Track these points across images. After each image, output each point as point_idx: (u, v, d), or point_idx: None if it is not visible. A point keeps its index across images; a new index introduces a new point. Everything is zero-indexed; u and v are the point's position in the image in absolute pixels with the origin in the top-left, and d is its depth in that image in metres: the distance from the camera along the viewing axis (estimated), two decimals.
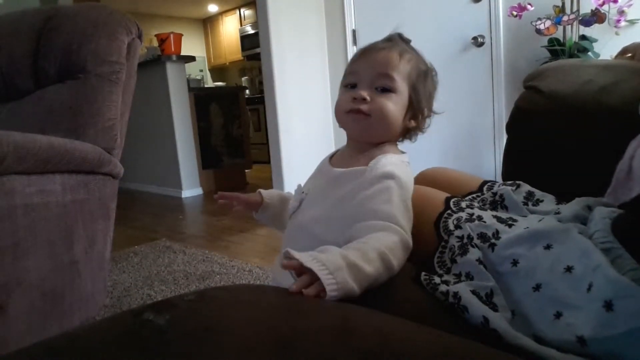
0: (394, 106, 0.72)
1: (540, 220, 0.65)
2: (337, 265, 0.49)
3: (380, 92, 0.72)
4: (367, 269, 0.52)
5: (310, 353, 0.33)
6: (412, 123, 0.76)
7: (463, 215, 0.70)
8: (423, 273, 0.61)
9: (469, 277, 0.59)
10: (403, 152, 0.77)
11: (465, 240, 0.64)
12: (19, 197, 0.97)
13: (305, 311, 0.42)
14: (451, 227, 0.69)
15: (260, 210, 0.89)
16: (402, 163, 0.73)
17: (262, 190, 0.90)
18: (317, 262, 0.49)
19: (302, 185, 0.81)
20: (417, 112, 0.76)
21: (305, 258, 0.49)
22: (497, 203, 0.75)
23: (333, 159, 0.81)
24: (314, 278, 0.48)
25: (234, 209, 0.89)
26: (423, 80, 0.76)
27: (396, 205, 0.64)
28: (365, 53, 0.75)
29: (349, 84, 0.75)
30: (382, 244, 0.56)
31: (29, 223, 1.00)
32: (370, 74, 0.72)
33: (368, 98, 0.71)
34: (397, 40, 0.77)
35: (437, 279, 0.59)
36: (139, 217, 3.44)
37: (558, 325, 0.49)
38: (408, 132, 0.78)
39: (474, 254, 0.61)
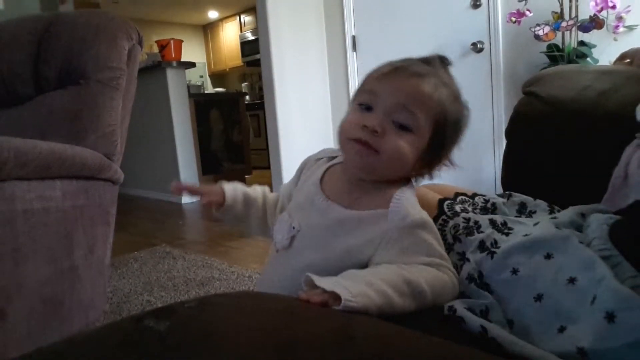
0: (409, 149, 0.59)
1: (536, 224, 0.65)
2: (361, 291, 0.47)
3: (397, 127, 0.59)
4: (395, 300, 0.50)
5: (311, 359, 0.33)
6: (423, 170, 0.65)
7: (460, 222, 0.70)
8: None
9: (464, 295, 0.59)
10: (408, 181, 0.66)
11: (464, 260, 0.64)
12: (19, 203, 0.97)
13: (305, 317, 0.42)
14: (449, 239, 0.68)
15: (221, 211, 0.75)
16: (416, 199, 0.63)
17: (225, 187, 0.76)
18: (343, 288, 0.46)
19: (287, 211, 0.69)
20: (433, 160, 0.64)
21: (328, 284, 0.47)
22: (489, 210, 0.75)
23: (325, 184, 0.67)
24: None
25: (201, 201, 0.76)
26: (452, 126, 0.63)
27: (435, 247, 0.58)
28: (393, 73, 0.61)
29: (363, 104, 0.62)
30: (422, 276, 0.53)
31: (29, 229, 1.00)
32: (391, 101, 0.59)
33: (380, 130, 0.58)
34: (436, 65, 0.64)
35: None
36: (139, 222, 3.44)
37: (559, 337, 0.48)
38: (413, 176, 0.66)
39: (465, 270, 0.61)
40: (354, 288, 0.47)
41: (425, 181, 0.68)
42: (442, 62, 0.66)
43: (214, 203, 0.75)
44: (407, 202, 0.60)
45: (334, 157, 0.72)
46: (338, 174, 0.67)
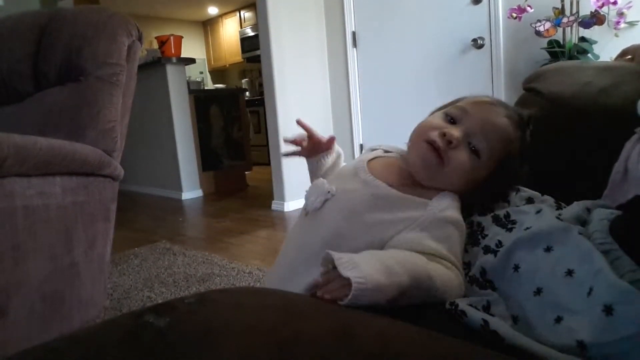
0: (470, 170, 0.64)
1: (538, 212, 0.65)
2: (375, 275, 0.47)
3: (469, 148, 0.64)
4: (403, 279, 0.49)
5: (311, 356, 0.33)
6: (471, 191, 0.67)
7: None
8: None
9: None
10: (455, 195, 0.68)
11: (472, 273, 0.63)
12: (19, 199, 0.98)
13: (305, 314, 0.42)
14: None
15: (320, 157, 0.78)
16: (459, 208, 0.65)
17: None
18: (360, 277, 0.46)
19: (327, 181, 0.70)
20: (482, 190, 0.67)
21: (345, 268, 0.46)
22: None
23: (371, 165, 0.70)
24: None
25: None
26: (506, 176, 0.68)
27: (455, 254, 0.59)
28: (491, 105, 0.66)
29: (449, 115, 0.66)
30: (437, 270, 0.53)
31: (29, 225, 1.00)
32: (477, 125, 0.64)
33: (456, 143, 0.62)
34: (523, 121, 0.69)
35: None
36: (139, 219, 3.44)
37: (558, 330, 0.49)
38: (462, 191, 0.67)
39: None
40: (369, 272, 0.47)
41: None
42: (529, 119, 0.70)
43: (324, 145, 0.78)
44: (450, 201, 0.63)
45: (388, 152, 0.76)
46: (391, 162, 0.71)
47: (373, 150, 0.77)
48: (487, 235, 0.65)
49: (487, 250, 0.63)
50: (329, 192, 0.66)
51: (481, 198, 0.69)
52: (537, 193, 0.76)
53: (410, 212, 0.61)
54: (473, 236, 0.67)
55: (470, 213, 0.71)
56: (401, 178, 0.66)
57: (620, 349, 0.43)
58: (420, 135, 0.66)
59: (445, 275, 0.55)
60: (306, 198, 0.70)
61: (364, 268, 0.47)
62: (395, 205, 0.62)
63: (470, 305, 0.54)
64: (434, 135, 0.63)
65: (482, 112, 0.65)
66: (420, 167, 0.65)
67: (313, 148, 0.78)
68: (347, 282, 0.45)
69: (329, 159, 0.79)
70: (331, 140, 0.78)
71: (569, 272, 0.52)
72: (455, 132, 0.63)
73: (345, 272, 0.46)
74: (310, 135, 0.78)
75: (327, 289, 0.47)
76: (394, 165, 0.70)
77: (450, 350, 0.38)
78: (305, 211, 0.69)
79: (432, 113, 0.72)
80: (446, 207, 0.62)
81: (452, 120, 0.66)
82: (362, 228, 0.61)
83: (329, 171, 0.79)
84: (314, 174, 0.80)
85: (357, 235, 0.61)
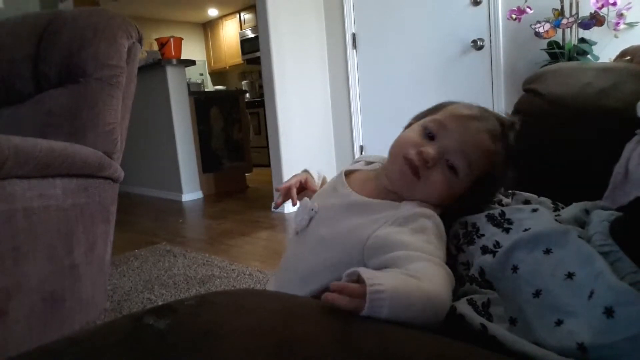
0: (446, 189, 0.64)
1: (534, 211, 0.64)
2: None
3: (447, 165, 0.63)
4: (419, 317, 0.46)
5: (310, 358, 0.33)
6: (447, 206, 0.67)
7: (458, 230, 0.69)
8: None
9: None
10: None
11: (471, 273, 0.63)
12: (20, 201, 0.98)
13: (305, 316, 0.42)
14: (453, 250, 0.68)
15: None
16: (436, 215, 0.65)
17: (309, 173, 0.82)
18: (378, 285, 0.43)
19: (310, 199, 0.73)
20: (463, 202, 0.68)
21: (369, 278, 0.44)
22: (495, 202, 0.75)
23: (351, 179, 0.72)
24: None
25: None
26: (492, 184, 0.68)
27: (436, 246, 0.59)
28: (470, 120, 0.65)
29: (428, 130, 0.65)
30: (436, 282, 0.51)
31: (29, 227, 1.00)
32: (455, 144, 0.63)
33: (431, 164, 0.63)
34: (506, 129, 0.67)
35: None
36: (139, 220, 3.44)
37: (558, 333, 0.48)
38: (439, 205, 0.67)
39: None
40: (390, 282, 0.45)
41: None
42: (511, 126, 0.68)
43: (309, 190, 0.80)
44: (421, 204, 0.64)
45: (371, 163, 0.77)
46: (369, 176, 0.72)
47: (356, 162, 0.79)
48: (483, 235, 0.65)
49: (485, 250, 0.63)
50: (312, 209, 0.69)
51: (460, 209, 0.68)
52: (534, 195, 0.76)
53: (385, 212, 0.63)
54: (468, 236, 0.67)
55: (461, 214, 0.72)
56: (378, 191, 0.67)
57: (621, 350, 0.43)
58: (398, 151, 0.66)
59: (443, 278, 0.54)
60: (294, 219, 0.73)
61: (384, 277, 0.45)
62: (370, 209, 0.64)
63: (471, 301, 0.54)
64: (412, 154, 0.63)
65: (461, 128, 0.64)
66: (398, 183, 0.66)
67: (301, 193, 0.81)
68: (363, 290, 0.42)
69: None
70: (309, 184, 0.81)
71: (569, 275, 0.52)
72: (431, 150, 0.63)
73: (365, 274, 0.44)
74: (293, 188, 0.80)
75: (341, 294, 0.43)
76: (371, 179, 0.71)
77: (450, 352, 0.38)
78: (295, 231, 0.72)
79: (412, 122, 0.72)
80: (417, 206, 0.63)
81: (430, 135, 0.65)
82: (340, 233, 0.63)
83: None
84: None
85: (337, 239, 0.63)
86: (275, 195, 0.82)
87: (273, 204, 0.82)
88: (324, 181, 0.84)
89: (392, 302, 0.42)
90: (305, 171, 0.83)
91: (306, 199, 0.73)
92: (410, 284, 0.47)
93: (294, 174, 0.82)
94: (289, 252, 0.75)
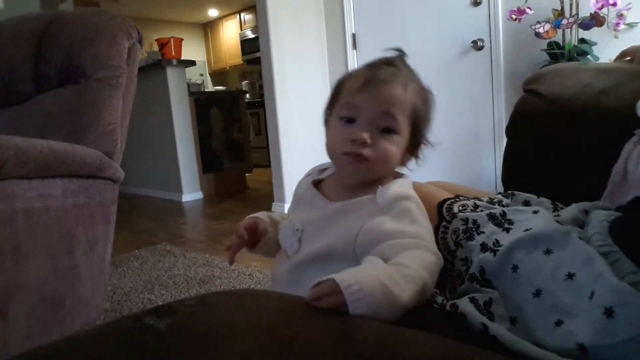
0: (396, 149, 0.65)
1: (535, 213, 0.65)
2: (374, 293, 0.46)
3: (381, 132, 0.64)
4: (407, 301, 0.48)
5: (311, 358, 0.33)
6: (409, 156, 0.71)
7: (459, 225, 0.70)
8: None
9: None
10: (402, 174, 0.72)
11: (469, 264, 0.64)
12: (20, 202, 0.98)
13: (306, 316, 0.42)
14: (452, 245, 0.68)
15: (259, 246, 0.77)
16: (409, 186, 0.68)
17: (257, 216, 0.77)
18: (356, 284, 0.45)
19: (288, 218, 0.72)
20: (416, 146, 0.70)
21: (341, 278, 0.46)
22: (495, 203, 0.75)
23: (324, 189, 0.72)
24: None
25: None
26: (424, 112, 0.69)
27: (421, 223, 0.61)
28: (367, 86, 0.65)
29: (345, 117, 0.66)
30: (424, 267, 0.53)
31: (29, 227, 1.00)
32: (372, 111, 0.64)
33: (370, 141, 0.63)
34: (400, 67, 0.68)
35: (439, 298, 0.59)
36: (140, 221, 3.44)
37: (558, 333, 0.48)
38: (403, 163, 0.71)
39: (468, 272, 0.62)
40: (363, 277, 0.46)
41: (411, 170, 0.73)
42: (401, 58, 0.70)
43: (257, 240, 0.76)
44: (394, 185, 0.65)
45: (324, 170, 0.76)
46: (333, 182, 0.72)
47: (308, 175, 0.77)
48: (483, 233, 0.65)
49: (484, 247, 0.63)
50: (297, 229, 0.68)
51: (419, 147, 0.71)
52: (533, 196, 0.76)
53: (364, 208, 0.64)
54: (468, 232, 0.67)
55: (464, 211, 0.72)
56: (351, 192, 0.68)
57: (620, 351, 0.43)
58: (335, 152, 0.67)
59: (430, 264, 0.55)
60: (282, 243, 0.71)
61: (357, 274, 0.47)
62: (352, 210, 0.65)
63: (473, 300, 0.54)
64: (347, 145, 0.64)
65: (368, 97, 0.65)
66: (355, 176, 0.67)
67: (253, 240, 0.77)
68: (335, 287, 0.44)
69: (270, 237, 0.76)
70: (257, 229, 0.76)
71: (570, 276, 0.52)
72: (361, 132, 0.63)
73: (338, 278, 0.45)
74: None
75: (322, 300, 0.45)
76: (337, 186, 0.71)
77: (450, 352, 0.38)
78: (287, 255, 0.70)
79: (327, 117, 0.73)
80: (391, 190, 0.64)
81: (350, 120, 0.65)
82: (332, 240, 0.64)
83: (270, 242, 0.76)
84: (267, 252, 0.79)
85: (331, 247, 0.63)
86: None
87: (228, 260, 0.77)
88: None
89: (366, 292, 0.44)
90: (253, 217, 0.77)
91: (285, 220, 0.73)
92: (377, 273, 0.48)
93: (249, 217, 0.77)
94: (282, 272, 0.71)
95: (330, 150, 0.68)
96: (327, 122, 0.73)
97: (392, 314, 0.46)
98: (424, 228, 0.61)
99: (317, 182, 0.74)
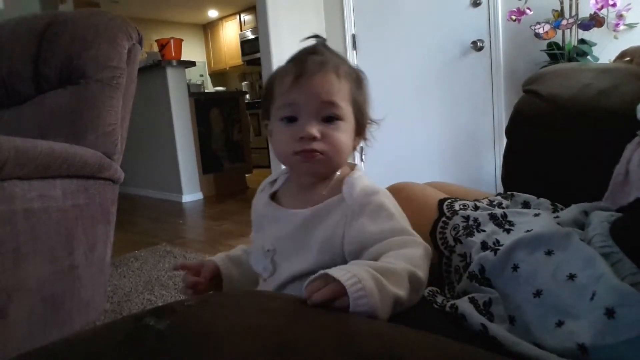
0: (346, 135, 0.64)
1: (537, 215, 0.65)
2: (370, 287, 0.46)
3: (327, 122, 0.63)
4: (399, 293, 0.49)
5: (312, 358, 0.33)
6: (358, 140, 0.69)
7: (459, 222, 0.70)
8: (427, 289, 0.61)
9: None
10: (353, 163, 0.71)
11: (468, 260, 0.64)
12: (20, 202, 0.98)
13: (306, 317, 0.42)
14: (450, 241, 0.68)
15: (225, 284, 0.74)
16: (364, 175, 0.67)
17: (219, 265, 0.74)
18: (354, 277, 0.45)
19: (255, 241, 0.70)
20: (362, 128, 0.69)
21: (338, 274, 0.46)
22: (494, 206, 0.75)
23: (282, 200, 0.70)
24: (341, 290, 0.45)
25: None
26: (360, 92, 0.68)
27: (398, 217, 0.61)
28: (300, 81, 0.62)
29: (286, 118, 0.64)
30: (411, 263, 0.53)
31: (29, 228, 1.00)
32: (312, 104, 0.62)
33: (319, 135, 0.61)
34: (325, 54, 0.66)
35: (439, 298, 0.59)
36: (140, 222, 3.44)
37: (559, 333, 0.48)
38: (354, 148, 0.70)
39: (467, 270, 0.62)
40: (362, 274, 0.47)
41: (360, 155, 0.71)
42: (323, 44, 0.68)
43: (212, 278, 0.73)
44: (358, 180, 0.64)
45: (274, 181, 0.74)
46: (290, 188, 0.71)
47: (261, 192, 0.75)
48: (484, 231, 0.65)
49: (484, 246, 0.63)
50: (267, 250, 0.66)
51: (365, 128, 0.70)
52: (532, 196, 0.76)
53: (336, 212, 0.62)
54: (468, 229, 0.67)
55: (465, 209, 0.72)
56: (307, 192, 0.67)
57: (621, 351, 0.43)
58: (285, 154, 0.65)
59: (419, 258, 0.56)
60: (255, 267, 0.69)
61: (354, 269, 0.47)
62: (322, 214, 0.63)
63: (472, 300, 0.54)
64: (296, 145, 0.62)
65: (302, 92, 0.62)
66: (312, 173, 0.66)
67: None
68: (339, 287, 0.45)
69: (233, 276, 0.75)
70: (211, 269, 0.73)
71: (571, 277, 0.52)
72: (306, 128, 0.61)
73: (337, 274, 0.46)
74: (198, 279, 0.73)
75: (318, 292, 0.45)
76: (293, 190, 0.70)
77: (450, 352, 0.38)
78: (263, 278, 0.68)
79: (265, 122, 0.70)
80: (358, 187, 0.63)
81: (292, 119, 0.63)
82: (314, 254, 0.62)
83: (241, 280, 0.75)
84: (241, 286, 0.76)
85: (316, 261, 0.61)
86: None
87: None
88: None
89: (371, 300, 0.44)
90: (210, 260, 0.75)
91: (252, 246, 0.71)
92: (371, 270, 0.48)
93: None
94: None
95: (280, 154, 0.66)
96: (267, 128, 0.71)
97: (385, 304, 0.47)
98: (401, 219, 0.61)
99: (272, 195, 0.72)
